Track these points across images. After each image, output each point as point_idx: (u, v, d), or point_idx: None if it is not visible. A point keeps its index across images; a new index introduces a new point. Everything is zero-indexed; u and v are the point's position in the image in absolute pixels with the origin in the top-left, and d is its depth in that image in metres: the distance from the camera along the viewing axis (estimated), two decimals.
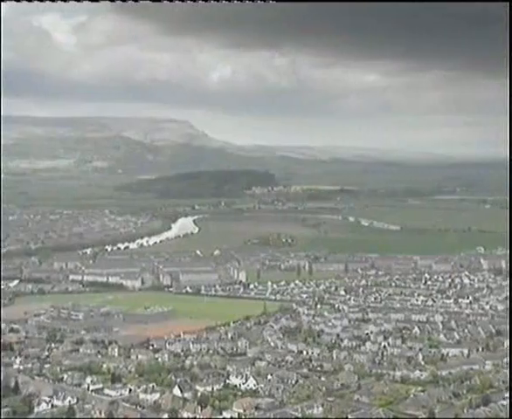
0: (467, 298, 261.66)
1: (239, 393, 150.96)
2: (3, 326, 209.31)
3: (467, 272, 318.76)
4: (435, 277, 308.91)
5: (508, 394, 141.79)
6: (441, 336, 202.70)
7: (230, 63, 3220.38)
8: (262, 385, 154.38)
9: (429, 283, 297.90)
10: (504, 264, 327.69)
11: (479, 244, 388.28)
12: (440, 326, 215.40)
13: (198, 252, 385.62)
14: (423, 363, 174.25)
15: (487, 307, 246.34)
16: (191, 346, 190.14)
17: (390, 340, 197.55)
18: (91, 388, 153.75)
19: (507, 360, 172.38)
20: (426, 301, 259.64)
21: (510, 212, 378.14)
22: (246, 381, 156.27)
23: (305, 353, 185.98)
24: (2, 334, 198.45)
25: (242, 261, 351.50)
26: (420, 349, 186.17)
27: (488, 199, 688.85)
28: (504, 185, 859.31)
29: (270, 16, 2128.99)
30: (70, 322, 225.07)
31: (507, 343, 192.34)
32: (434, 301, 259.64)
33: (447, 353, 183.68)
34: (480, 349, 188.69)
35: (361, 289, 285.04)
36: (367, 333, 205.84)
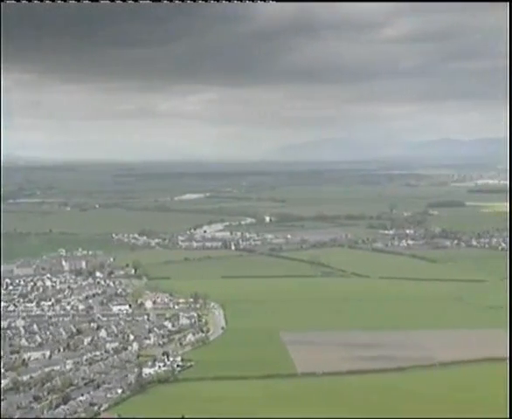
0: (50, 300, 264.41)
1: None
2: None
3: (49, 275, 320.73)
4: (17, 281, 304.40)
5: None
6: (23, 341, 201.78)
7: None
8: None
9: (10, 287, 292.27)
10: (84, 265, 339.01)
11: (60, 246, 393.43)
12: (22, 331, 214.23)
13: None
14: (3, 370, 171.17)
15: (69, 308, 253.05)
16: None
17: None
18: None
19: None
20: (8, 307, 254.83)
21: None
22: None
23: None
24: None
25: None
26: (1, 357, 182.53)
27: (69, 202, 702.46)
28: (81, 187, 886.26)
29: None
30: None
31: (87, 340, 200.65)
32: (16, 306, 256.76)
33: (29, 357, 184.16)
34: (62, 349, 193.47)
35: None
36: None
